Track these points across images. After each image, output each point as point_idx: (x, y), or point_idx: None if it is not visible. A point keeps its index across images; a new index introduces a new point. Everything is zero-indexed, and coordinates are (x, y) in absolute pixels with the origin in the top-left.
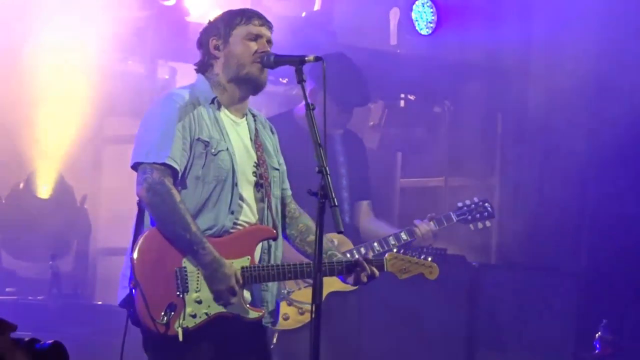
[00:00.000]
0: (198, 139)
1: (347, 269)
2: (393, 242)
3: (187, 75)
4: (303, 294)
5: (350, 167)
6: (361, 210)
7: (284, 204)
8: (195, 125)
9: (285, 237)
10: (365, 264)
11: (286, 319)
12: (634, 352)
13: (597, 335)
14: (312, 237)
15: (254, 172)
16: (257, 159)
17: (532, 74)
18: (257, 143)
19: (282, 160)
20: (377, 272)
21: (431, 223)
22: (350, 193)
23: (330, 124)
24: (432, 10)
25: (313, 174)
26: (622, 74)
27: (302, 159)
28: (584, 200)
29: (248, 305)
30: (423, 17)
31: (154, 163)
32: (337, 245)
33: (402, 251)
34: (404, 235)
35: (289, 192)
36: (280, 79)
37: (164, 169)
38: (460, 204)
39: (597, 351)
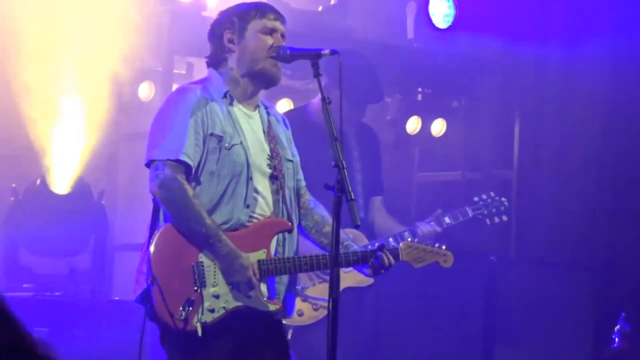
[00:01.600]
0: (211, 134)
1: (363, 260)
2: (409, 237)
3: (203, 70)
4: (317, 289)
5: (365, 162)
6: (374, 206)
7: (298, 195)
8: (208, 120)
9: (301, 228)
10: (383, 255)
11: (300, 315)
12: None
13: (615, 328)
14: (327, 228)
15: (268, 165)
16: (271, 151)
17: (549, 67)
18: (270, 135)
19: (295, 152)
20: (393, 261)
21: (434, 224)
22: (364, 188)
23: (343, 119)
24: (449, 3)
25: (326, 169)
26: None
27: (315, 155)
28: (601, 194)
29: (265, 299)
30: (440, 10)
31: (167, 160)
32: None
33: (416, 240)
34: (407, 235)
35: (303, 184)
36: (297, 74)
37: (176, 165)
38: (476, 199)
39: (616, 344)
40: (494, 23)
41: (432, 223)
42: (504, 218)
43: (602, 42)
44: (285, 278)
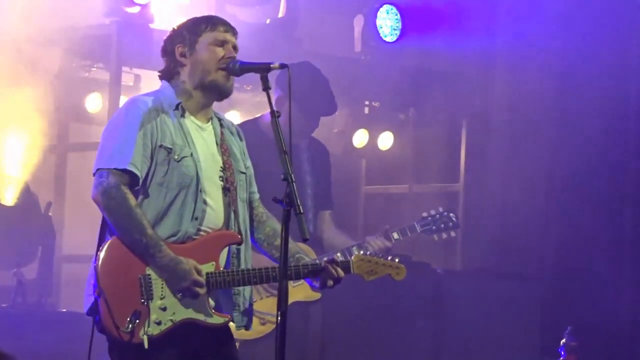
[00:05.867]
0: (160, 146)
1: (313, 273)
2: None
3: (151, 82)
4: (265, 303)
5: (315, 176)
6: (324, 220)
7: (251, 208)
8: (157, 132)
9: (253, 241)
10: (331, 268)
11: None
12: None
13: (562, 341)
14: (279, 241)
15: (220, 177)
16: (223, 164)
17: (496, 80)
18: (223, 147)
19: (249, 164)
20: (342, 274)
21: (384, 239)
22: (314, 202)
23: (296, 132)
24: (396, 17)
25: (279, 182)
26: (587, 79)
27: (268, 167)
28: (548, 206)
29: (213, 311)
30: (387, 23)
31: (114, 169)
32: None
33: (368, 253)
34: (355, 251)
35: (257, 196)
36: (245, 86)
37: (121, 175)
38: (425, 214)
39: (562, 358)
40: (441, 35)
41: (382, 238)
42: (452, 234)
43: (551, 52)
44: (243, 289)
